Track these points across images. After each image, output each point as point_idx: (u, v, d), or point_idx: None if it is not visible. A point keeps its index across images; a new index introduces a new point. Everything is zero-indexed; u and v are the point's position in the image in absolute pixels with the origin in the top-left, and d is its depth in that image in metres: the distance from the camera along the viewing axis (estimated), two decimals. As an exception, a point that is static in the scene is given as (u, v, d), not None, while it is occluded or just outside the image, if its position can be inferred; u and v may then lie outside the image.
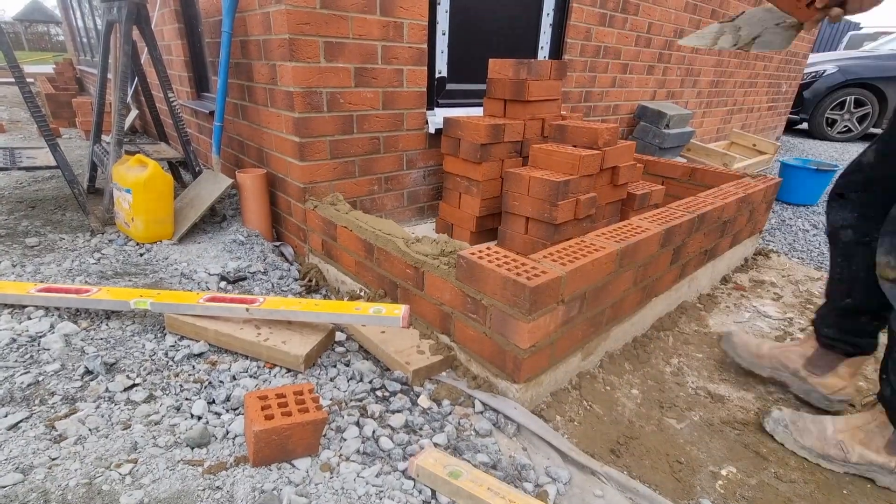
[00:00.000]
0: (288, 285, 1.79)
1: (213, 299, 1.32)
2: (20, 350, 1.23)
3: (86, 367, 1.20)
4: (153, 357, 1.29)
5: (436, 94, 2.35)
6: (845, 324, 1.32)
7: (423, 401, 1.25)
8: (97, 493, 0.88)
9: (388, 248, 1.49)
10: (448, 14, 2.24)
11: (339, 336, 1.48)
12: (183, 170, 2.70)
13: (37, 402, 1.09)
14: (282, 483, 0.95)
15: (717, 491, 1.13)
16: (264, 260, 1.90)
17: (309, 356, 1.31)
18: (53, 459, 0.94)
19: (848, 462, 1.17)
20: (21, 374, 1.16)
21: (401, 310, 1.30)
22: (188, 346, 1.34)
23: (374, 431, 1.12)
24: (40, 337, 1.29)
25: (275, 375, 1.29)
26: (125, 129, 2.17)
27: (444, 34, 2.27)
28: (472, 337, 1.31)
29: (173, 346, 1.34)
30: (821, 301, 1.41)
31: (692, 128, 3.97)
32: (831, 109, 7.07)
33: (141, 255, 1.83)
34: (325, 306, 1.30)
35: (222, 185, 2.06)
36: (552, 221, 1.81)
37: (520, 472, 1.09)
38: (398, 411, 1.20)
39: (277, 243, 2.08)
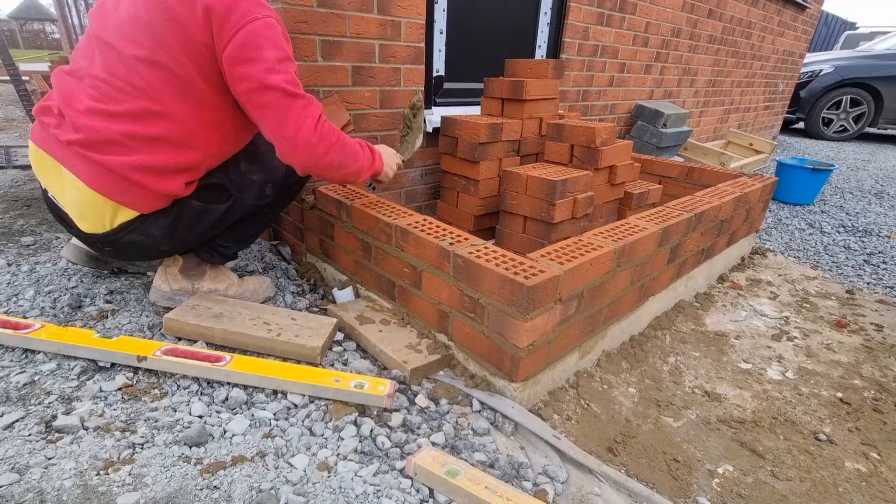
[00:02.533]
0: (285, 285, 1.78)
1: (171, 352, 1.23)
2: (16, 349, 1.23)
3: (82, 367, 1.20)
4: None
5: (433, 92, 2.35)
6: None
7: (421, 400, 1.25)
8: (93, 493, 0.88)
9: (386, 247, 1.49)
10: (445, 13, 2.24)
11: (337, 335, 1.48)
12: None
13: (32, 401, 1.09)
14: (279, 482, 0.95)
15: (713, 489, 1.13)
16: (262, 259, 1.89)
17: (323, 348, 1.35)
18: (49, 459, 0.94)
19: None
20: (17, 374, 1.15)
21: (385, 386, 1.19)
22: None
23: (371, 430, 1.12)
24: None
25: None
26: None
27: (441, 33, 2.27)
28: (470, 336, 1.31)
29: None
30: (817, 299, 1.42)
31: (689, 127, 3.98)
32: (827, 109, 7.11)
33: (137, 254, 1.82)
34: (302, 374, 1.21)
35: (219, 183, 2.05)
36: (550, 220, 1.81)
37: (518, 470, 1.09)
38: (396, 410, 1.20)
39: (275, 242, 2.08)
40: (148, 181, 1.19)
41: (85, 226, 1.26)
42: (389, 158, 1.55)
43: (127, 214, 1.24)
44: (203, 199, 1.33)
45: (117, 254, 1.41)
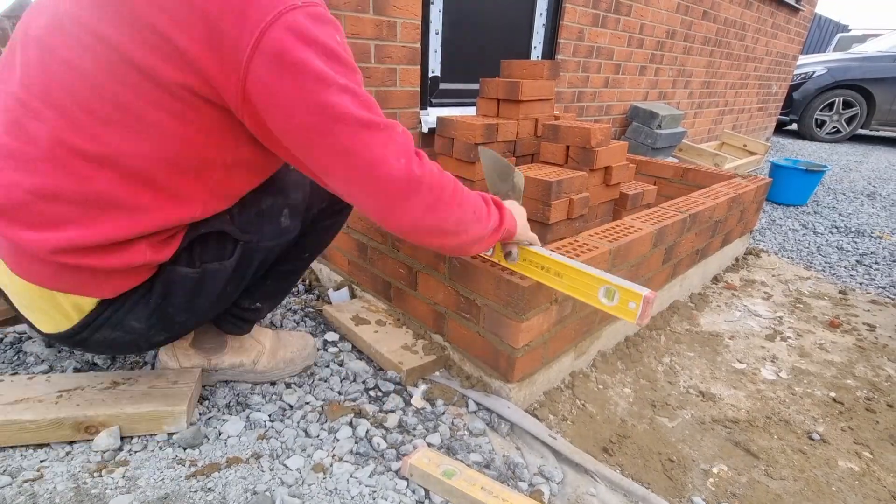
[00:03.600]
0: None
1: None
2: (7, 352, 1.22)
3: (75, 368, 1.19)
4: (145, 357, 1.28)
5: (429, 93, 2.35)
6: None
7: (417, 401, 1.25)
8: (86, 496, 0.87)
9: (382, 248, 1.49)
10: (441, 13, 2.24)
11: (333, 336, 1.48)
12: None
13: (25, 403, 1.08)
14: (274, 484, 0.95)
15: (708, 489, 1.14)
16: (257, 260, 1.89)
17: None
18: (42, 462, 0.93)
19: None
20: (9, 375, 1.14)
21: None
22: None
23: (367, 431, 1.12)
24: (28, 339, 1.28)
25: (267, 376, 1.28)
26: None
27: (437, 33, 2.27)
28: (466, 336, 1.31)
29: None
30: (811, 300, 1.43)
31: (684, 128, 4.00)
32: (820, 111, 7.16)
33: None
34: None
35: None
36: (545, 221, 1.81)
37: (513, 471, 1.09)
38: (391, 411, 1.20)
39: (270, 243, 2.06)
40: (87, 261, 0.78)
41: (41, 323, 0.88)
42: (521, 217, 1.09)
43: (88, 303, 0.85)
44: (196, 261, 0.90)
45: (97, 353, 1.10)
